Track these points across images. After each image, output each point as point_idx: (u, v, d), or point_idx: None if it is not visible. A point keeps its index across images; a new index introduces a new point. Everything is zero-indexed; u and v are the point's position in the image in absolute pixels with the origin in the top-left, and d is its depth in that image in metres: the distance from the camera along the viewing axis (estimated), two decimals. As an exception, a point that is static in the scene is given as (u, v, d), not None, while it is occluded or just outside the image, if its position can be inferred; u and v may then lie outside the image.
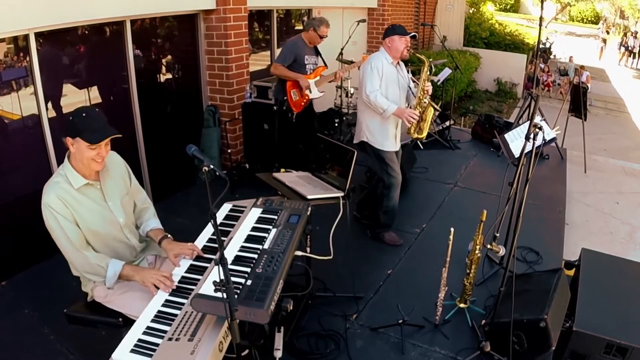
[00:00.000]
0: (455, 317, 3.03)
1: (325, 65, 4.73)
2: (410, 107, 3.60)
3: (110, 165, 2.21)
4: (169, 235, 2.32)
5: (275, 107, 4.68)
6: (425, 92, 3.58)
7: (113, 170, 2.24)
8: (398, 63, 3.61)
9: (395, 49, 3.52)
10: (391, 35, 3.51)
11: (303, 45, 4.50)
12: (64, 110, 3.76)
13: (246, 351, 2.14)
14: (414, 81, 3.86)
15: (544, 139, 2.77)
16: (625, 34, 22.48)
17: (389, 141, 3.66)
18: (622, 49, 21.12)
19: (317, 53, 4.66)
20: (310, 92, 4.55)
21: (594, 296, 2.74)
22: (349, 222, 3.66)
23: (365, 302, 3.18)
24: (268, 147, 4.89)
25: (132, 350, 1.73)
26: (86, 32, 3.82)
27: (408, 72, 3.87)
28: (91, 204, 2.11)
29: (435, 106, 3.59)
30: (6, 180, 3.41)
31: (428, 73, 3.62)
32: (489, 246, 3.08)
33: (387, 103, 3.44)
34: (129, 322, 2.04)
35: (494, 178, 5.14)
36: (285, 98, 4.52)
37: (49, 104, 3.61)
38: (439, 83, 6.84)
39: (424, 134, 3.70)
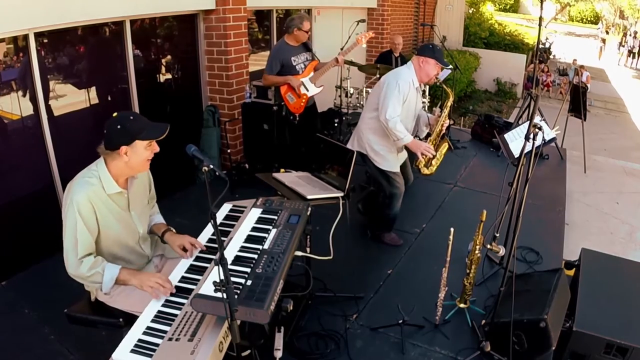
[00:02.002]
0: (455, 317, 3.03)
1: (317, 59, 4.63)
2: (419, 134, 3.50)
3: (139, 175, 2.20)
4: (172, 229, 2.35)
5: (275, 108, 4.67)
6: (443, 127, 3.45)
7: (140, 179, 2.23)
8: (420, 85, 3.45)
9: (425, 73, 3.32)
10: (429, 56, 3.27)
11: (287, 48, 4.41)
12: (64, 111, 3.76)
13: (247, 351, 2.15)
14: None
15: (543, 139, 2.77)
16: (625, 34, 22.51)
17: (393, 162, 3.55)
18: (622, 49, 21.15)
19: (307, 49, 4.56)
20: (307, 89, 4.50)
21: (594, 296, 2.74)
22: (348, 222, 3.66)
23: (365, 302, 3.18)
24: (268, 147, 4.88)
25: (132, 351, 1.73)
26: (86, 32, 3.81)
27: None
28: (117, 211, 2.10)
29: (451, 145, 3.49)
30: (6, 180, 3.41)
31: (449, 109, 3.49)
32: (489, 246, 3.08)
33: (404, 133, 3.27)
34: (129, 322, 2.04)
35: (493, 178, 5.14)
36: (282, 103, 4.49)
37: (49, 104, 3.60)
38: (438, 83, 6.83)
39: (433, 171, 3.50)
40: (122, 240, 2.16)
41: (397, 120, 3.24)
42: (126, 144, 1.97)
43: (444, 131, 3.49)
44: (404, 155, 3.70)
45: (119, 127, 1.96)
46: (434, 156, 3.43)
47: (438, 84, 6.98)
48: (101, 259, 2.05)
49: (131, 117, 2.00)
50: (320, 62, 4.57)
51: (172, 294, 1.98)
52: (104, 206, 2.04)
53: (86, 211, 1.96)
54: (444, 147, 3.49)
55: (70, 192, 1.98)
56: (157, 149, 2.07)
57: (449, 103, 3.48)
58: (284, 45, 4.44)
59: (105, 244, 2.11)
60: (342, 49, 5.53)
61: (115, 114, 2.02)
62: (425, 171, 3.49)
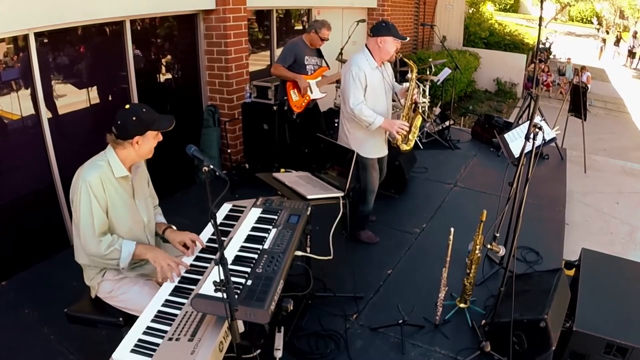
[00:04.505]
0: (455, 317, 3.03)
1: (328, 66, 4.73)
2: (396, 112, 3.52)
3: (141, 166, 2.30)
4: (173, 226, 2.41)
5: (275, 107, 4.68)
6: (413, 100, 3.44)
7: (142, 172, 2.33)
8: (382, 64, 3.40)
9: (385, 52, 3.28)
10: (385, 35, 3.24)
11: (304, 46, 4.51)
12: (64, 111, 3.76)
13: (257, 351, 2.15)
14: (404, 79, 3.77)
15: (543, 138, 2.76)
16: (619, 33, 22.55)
17: (375, 149, 3.54)
18: (615, 48, 21.23)
19: (319, 54, 4.66)
20: (312, 92, 4.55)
21: (594, 296, 2.74)
22: (349, 222, 3.66)
23: (365, 302, 3.18)
24: (268, 147, 4.89)
25: (132, 350, 1.73)
26: (86, 32, 3.81)
27: (397, 77, 3.78)
28: (124, 196, 2.17)
29: (424, 115, 3.51)
30: (6, 180, 3.41)
31: (419, 84, 3.51)
32: (489, 246, 3.08)
33: (373, 116, 3.24)
34: (129, 322, 2.04)
35: (493, 178, 5.14)
36: (285, 98, 4.52)
37: (49, 104, 3.60)
38: (438, 83, 6.84)
39: (411, 145, 3.54)
40: (129, 226, 2.20)
41: (361, 106, 3.23)
42: (140, 134, 2.08)
43: (415, 104, 3.48)
44: (385, 148, 3.67)
45: (134, 118, 2.06)
46: (410, 131, 3.44)
47: (438, 84, 7.03)
48: (117, 237, 2.12)
49: (144, 110, 2.10)
50: (328, 72, 4.65)
51: (171, 294, 1.99)
52: (113, 188, 2.11)
53: (98, 191, 2.04)
54: (418, 119, 3.48)
55: (81, 175, 2.05)
56: (161, 138, 2.19)
57: (414, 76, 3.45)
58: (301, 43, 4.53)
59: (115, 228, 2.15)
60: (341, 52, 5.56)
61: (127, 106, 2.11)
62: (405, 147, 3.51)
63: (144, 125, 2.07)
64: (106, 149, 2.15)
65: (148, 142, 2.13)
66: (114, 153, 2.12)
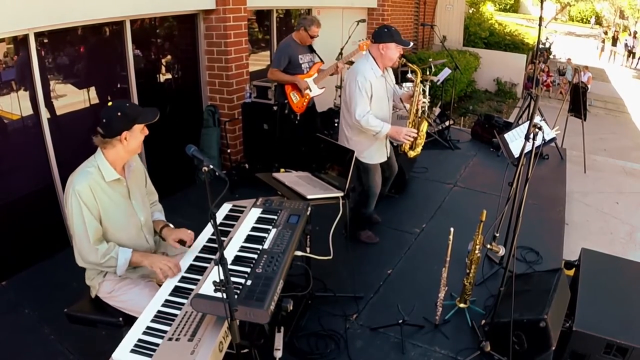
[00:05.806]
0: (455, 317, 3.03)
1: (322, 60, 4.70)
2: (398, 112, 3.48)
3: (135, 165, 2.29)
4: (170, 225, 2.41)
5: (275, 108, 4.68)
6: (419, 106, 3.40)
7: (137, 171, 2.32)
8: (385, 69, 3.35)
9: (388, 58, 3.22)
10: (388, 41, 3.17)
11: (295, 45, 4.48)
12: (64, 111, 3.76)
13: (246, 350, 2.14)
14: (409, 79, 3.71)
15: (543, 139, 2.77)
16: (616, 33, 22.58)
17: (378, 154, 3.52)
18: (613, 48, 21.28)
19: (312, 50, 4.63)
20: (311, 90, 4.54)
21: (594, 296, 2.74)
22: (348, 222, 3.66)
23: (365, 302, 3.18)
24: (268, 147, 4.89)
25: (132, 350, 1.73)
26: (86, 32, 3.81)
27: (398, 77, 3.73)
28: (118, 199, 2.15)
29: (430, 120, 3.47)
30: (6, 180, 3.41)
31: (422, 86, 3.43)
32: (488, 246, 3.08)
33: (380, 124, 3.23)
34: (129, 322, 2.04)
35: (493, 178, 5.14)
36: (286, 101, 4.50)
37: (48, 104, 3.60)
38: (438, 83, 6.84)
39: (419, 151, 3.52)
40: (124, 228, 2.19)
41: (368, 117, 3.20)
42: (127, 129, 2.06)
43: (420, 110, 3.43)
44: (388, 148, 3.65)
45: (119, 114, 2.04)
46: (417, 137, 3.42)
47: (438, 84, 7.03)
48: (113, 244, 2.12)
49: (127, 104, 2.10)
50: (323, 66, 4.62)
51: (171, 294, 1.99)
52: (105, 194, 2.09)
53: (89, 199, 2.02)
54: (424, 125, 3.44)
55: (72, 183, 2.03)
56: (147, 132, 2.18)
57: (418, 80, 3.38)
58: (292, 42, 4.50)
59: (110, 232, 2.14)
60: (341, 52, 5.54)
61: (110, 103, 2.09)
62: (412, 153, 3.49)
63: (130, 119, 2.05)
64: (95, 153, 2.13)
65: (136, 137, 2.10)
66: (103, 156, 2.10)
